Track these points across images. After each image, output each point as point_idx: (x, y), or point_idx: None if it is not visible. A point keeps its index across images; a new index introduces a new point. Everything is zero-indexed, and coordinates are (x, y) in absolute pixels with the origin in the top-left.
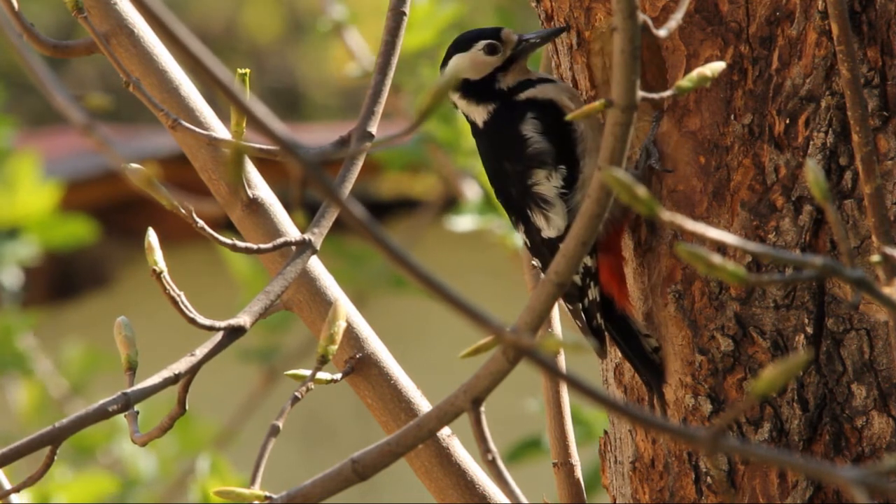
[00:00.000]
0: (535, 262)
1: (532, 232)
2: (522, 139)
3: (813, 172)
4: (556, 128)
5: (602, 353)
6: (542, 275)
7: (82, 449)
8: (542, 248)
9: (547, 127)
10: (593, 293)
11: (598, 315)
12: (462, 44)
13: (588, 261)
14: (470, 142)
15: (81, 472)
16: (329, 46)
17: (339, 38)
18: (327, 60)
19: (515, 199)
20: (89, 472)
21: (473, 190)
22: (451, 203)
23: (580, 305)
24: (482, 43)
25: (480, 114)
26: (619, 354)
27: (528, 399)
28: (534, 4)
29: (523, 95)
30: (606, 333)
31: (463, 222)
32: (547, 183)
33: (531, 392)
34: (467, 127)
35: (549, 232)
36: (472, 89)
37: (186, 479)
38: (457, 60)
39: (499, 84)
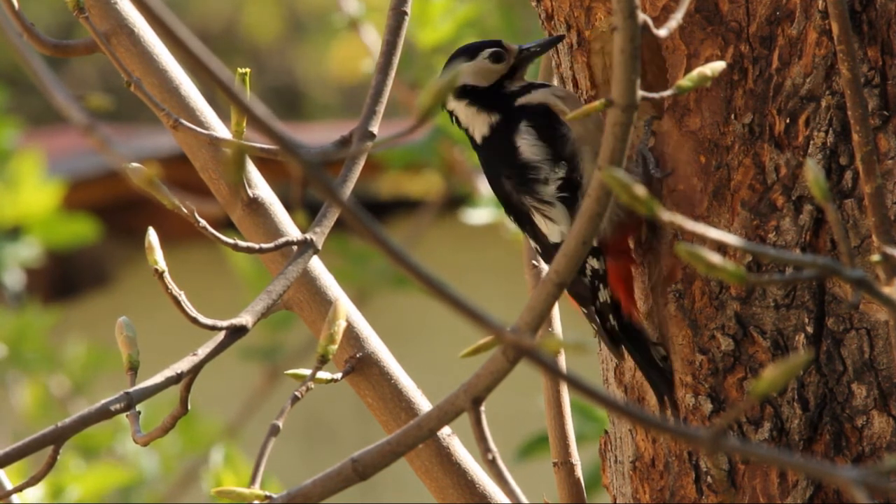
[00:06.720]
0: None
1: (539, 238)
2: (515, 149)
3: (813, 172)
4: (550, 132)
5: (619, 355)
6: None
7: (87, 448)
8: (553, 253)
9: (541, 133)
10: (604, 295)
11: (611, 316)
12: (466, 52)
13: (595, 263)
14: None
15: (92, 467)
16: (329, 46)
17: (355, 33)
18: (327, 60)
19: (517, 207)
20: (101, 465)
21: (487, 186)
22: (454, 202)
23: (593, 308)
24: (488, 51)
25: (482, 126)
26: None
27: (536, 396)
28: (534, 4)
29: (519, 101)
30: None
31: (479, 215)
32: (545, 188)
33: (533, 392)
34: None
35: (554, 237)
36: (480, 96)
37: (191, 476)
38: (462, 68)
39: (504, 90)
